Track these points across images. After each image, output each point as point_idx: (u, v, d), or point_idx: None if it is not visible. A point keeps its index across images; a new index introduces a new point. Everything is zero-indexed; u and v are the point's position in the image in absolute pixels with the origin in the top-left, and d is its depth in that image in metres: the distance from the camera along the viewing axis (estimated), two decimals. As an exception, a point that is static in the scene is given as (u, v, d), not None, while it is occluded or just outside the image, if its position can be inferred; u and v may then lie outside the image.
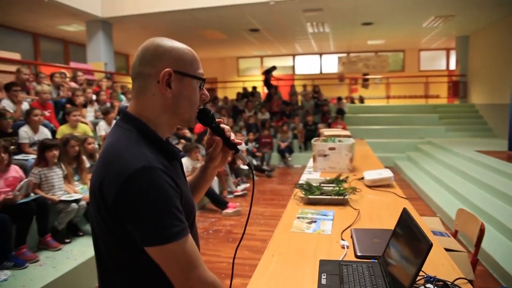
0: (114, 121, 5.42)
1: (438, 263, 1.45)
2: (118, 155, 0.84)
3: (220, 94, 13.14)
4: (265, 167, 7.76)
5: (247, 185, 6.35)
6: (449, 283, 1.25)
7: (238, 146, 1.10)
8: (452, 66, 13.33)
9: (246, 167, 7.01)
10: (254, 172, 6.88)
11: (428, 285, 1.24)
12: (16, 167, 3.29)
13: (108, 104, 5.99)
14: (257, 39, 11.39)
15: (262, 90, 13.05)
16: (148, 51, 0.92)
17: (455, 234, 2.54)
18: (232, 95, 12.25)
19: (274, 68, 12.12)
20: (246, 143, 7.82)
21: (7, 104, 4.41)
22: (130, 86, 8.21)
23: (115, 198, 0.80)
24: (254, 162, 7.50)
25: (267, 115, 9.86)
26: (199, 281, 0.85)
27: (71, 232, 3.58)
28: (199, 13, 7.89)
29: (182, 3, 7.53)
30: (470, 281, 1.30)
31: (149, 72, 0.91)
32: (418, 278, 1.25)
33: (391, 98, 13.40)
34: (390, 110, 11.21)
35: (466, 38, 11.27)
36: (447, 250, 2.21)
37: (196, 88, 0.97)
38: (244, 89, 12.38)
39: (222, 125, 1.09)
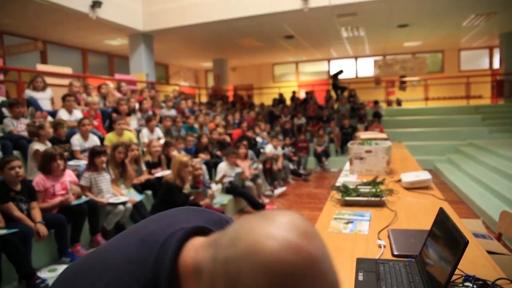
0: (156, 128, 5.69)
1: (478, 264, 1.45)
2: None
3: (256, 101, 13.33)
4: (301, 171, 7.80)
5: (284, 188, 6.42)
6: (490, 282, 1.24)
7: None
8: (496, 64, 12.76)
9: (282, 170, 7.09)
10: (291, 176, 6.89)
11: (466, 283, 1.25)
12: (70, 172, 3.57)
13: (150, 112, 6.27)
14: (292, 46, 11.49)
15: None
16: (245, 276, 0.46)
17: (499, 237, 2.49)
18: (268, 101, 12.38)
19: (341, 71, 12.00)
20: (283, 148, 7.90)
21: (63, 114, 4.78)
22: (170, 94, 8.63)
23: None
24: (291, 166, 7.56)
25: (303, 120, 9.90)
26: None
27: (119, 232, 3.80)
28: (236, 22, 8.11)
29: (220, 14, 7.79)
30: None
31: None
32: (457, 277, 1.28)
33: (430, 100, 13.00)
34: (429, 112, 10.90)
35: (509, 35, 10.78)
36: (490, 252, 2.19)
37: None
38: (280, 95, 12.48)
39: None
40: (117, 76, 8.56)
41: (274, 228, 0.48)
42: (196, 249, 0.57)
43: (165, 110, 7.11)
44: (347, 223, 2.01)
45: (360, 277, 1.36)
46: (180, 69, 15.48)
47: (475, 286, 1.23)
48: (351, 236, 1.83)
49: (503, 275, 1.32)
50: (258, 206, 5.15)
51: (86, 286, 0.56)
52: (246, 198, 5.20)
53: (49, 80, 5.72)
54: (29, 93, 5.15)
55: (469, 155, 7.48)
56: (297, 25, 8.76)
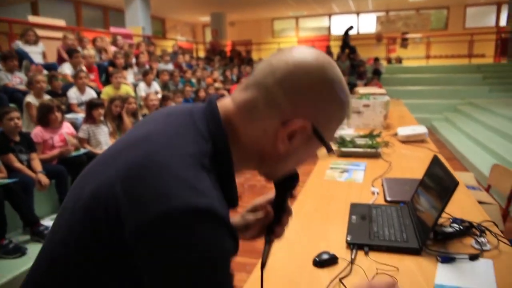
0: (153, 82, 5.61)
1: (468, 210, 1.51)
2: (169, 171, 0.52)
3: (255, 56, 13.09)
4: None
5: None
6: (475, 224, 1.31)
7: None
8: (503, 22, 12.44)
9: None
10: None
11: (453, 224, 1.32)
12: (68, 124, 3.58)
13: (147, 66, 6.18)
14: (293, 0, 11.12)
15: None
16: (296, 75, 0.59)
17: (488, 189, 2.57)
18: (266, 56, 12.19)
19: (351, 27, 11.67)
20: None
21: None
22: (168, 49, 8.45)
23: (140, 233, 0.50)
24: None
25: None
26: None
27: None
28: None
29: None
30: (497, 226, 1.36)
31: (281, 102, 0.59)
32: (444, 219, 1.34)
33: (432, 58, 12.80)
34: (430, 71, 10.78)
35: (518, -9, 10.46)
36: (479, 202, 2.28)
37: (315, 152, 0.69)
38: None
39: (290, 207, 0.79)
40: (113, 29, 8.33)
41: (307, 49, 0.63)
42: (231, 99, 0.65)
43: (162, 64, 6.99)
44: (343, 172, 2.05)
45: (353, 220, 1.41)
46: (177, 24, 15.07)
47: (461, 227, 1.28)
48: (346, 184, 1.88)
49: (489, 219, 1.39)
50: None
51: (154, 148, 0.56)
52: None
53: (40, 32, 5.56)
54: (19, 46, 5.03)
55: (467, 114, 7.50)
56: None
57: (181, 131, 0.59)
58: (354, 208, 1.53)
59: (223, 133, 0.60)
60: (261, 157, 0.64)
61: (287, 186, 0.74)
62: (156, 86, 5.65)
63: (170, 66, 7.13)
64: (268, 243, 0.78)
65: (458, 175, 2.47)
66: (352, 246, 1.22)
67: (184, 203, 0.49)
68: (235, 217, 0.80)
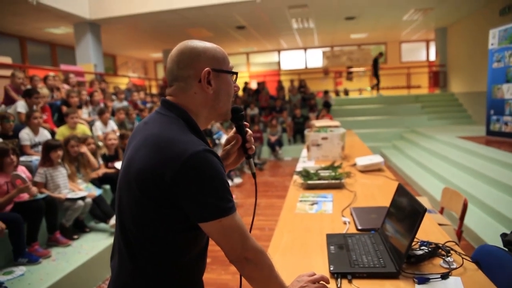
0: (109, 121, 5.51)
1: (430, 232, 1.66)
2: (172, 140, 0.90)
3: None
4: (256, 160, 7.96)
5: (240, 180, 6.54)
6: (441, 244, 1.46)
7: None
8: (432, 57, 13.74)
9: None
10: (246, 166, 7.01)
11: (422, 247, 1.45)
12: (23, 168, 3.40)
13: (102, 105, 6.07)
14: (243, 36, 11.54)
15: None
16: (184, 54, 1.00)
17: (441, 211, 2.78)
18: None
19: (381, 54, 12.16)
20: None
21: (23, 107, 4.50)
22: (121, 86, 8.36)
23: (174, 177, 0.86)
24: (246, 156, 7.68)
25: (256, 110, 10.04)
26: (253, 249, 0.97)
27: (78, 228, 3.71)
28: (186, 12, 8.00)
29: (170, 3, 7.63)
30: (458, 245, 1.51)
31: (188, 73, 0.99)
32: (414, 243, 1.46)
33: (375, 89, 13.71)
34: (375, 101, 11.52)
35: (444, 30, 11.66)
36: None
37: (231, 82, 1.07)
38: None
39: (247, 128, 1.19)
40: (63, 66, 8.12)
41: None
42: (169, 94, 1.05)
43: (116, 102, 6.90)
44: (312, 204, 2.15)
45: (332, 250, 1.50)
46: (128, 60, 14.97)
47: (430, 249, 1.41)
48: (318, 216, 1.97)
49: (450, 239, 1.54)
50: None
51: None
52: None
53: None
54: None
55: (412, 141, 8.06)
56: (248, 16, 8.82)
57: (164, 122, 0.97)
58: (330, 238, 1.61)
59: (183, 110, 1.00)
60: (207, 106, 1.03)
61: (238, 116, 1.13)
62: (113, 124, 5.55)
63: (124, 104, 7.04)
64: (249, 158, 1.20)
65: (414, 200, 2.66)
66: (336, 275, 1.30)
67: (194, 149, 0.87)
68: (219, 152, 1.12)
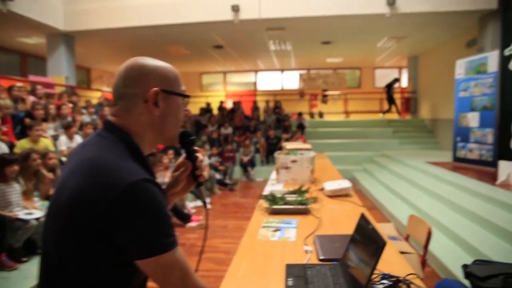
0: (75, 136, 5.33)
1: (392, 263, 1.62)
2: (109, 166, 0.82)
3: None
4: (227, 181, 7.84)
5: (208, 200, 6.41)
6: (401, 278, 1.41)
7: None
8: (404, 83, 14.17)
9: (208, 180, 7.06)
10: (217, 186, 6.88)
11: (383, 281, 1.40)
12: (-27, 183, 3.19)
13: (70, 118, 5.86)
14: (221, 56, 11.58)
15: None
16: (132, 71, 0.93)
17: (407, 238, 2.76)
18: (195, 110, 12.30)
19: (396, 80, 12.20)
20: (209, 157, 7.88)
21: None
22: (93, 100, 8.14)
23: (109, 208, 0.78)
24: (217, 176, 7.57)
25: (230, 130, 9.99)
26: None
27: (29, 250, 3.47)
28: (165, 29, 7.95)
29: (148, 19, 7.55)
30: (420, 278, 1.48)
31: (135, 92, 0.92)
32: (375, 276, 1.41)
33: (349, 113, 13.99)
34: (348, 125, 11.70)
35: (416, 58, 12.09)
36: (400, 253, 2.42)
37: (181, 105, 1.00)
38: (207, 104, 12.47)
39: (198, 154, 1.11)
40: (32, 77, 7.85)
41: None
42: (112, 115, 0.97)
43: (86, 116, 6.69)
44: (275, 230, 2.08)
45: (290, 282, 1.42)
46: (103, 74, 14.70)
47: (390, 282, 1.36)
48: (280, 243, 1.90)
49: (412, 271, 1.51)
50: (184, 217, 5.06)
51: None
52: (171, 209, 5.09)
53: None
54: None
55: (382, 165, 8.17)
56: (227, 35, 8.86)
57: (102, 146, 0.89)
58: (290, 269, 1.54)
59: (125, 133, 0.92)
60: (153, 129, 0.95)
61: (188, 141, 1.07)
62: (79, 139, 5.35)
63: (94, 118, 6.84)
64: (199, 186, 1.14)
65: (380, 226, 2.64)
66: (291, 311, 1.21)
67: (132, 178, 0.80)
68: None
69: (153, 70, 0.94)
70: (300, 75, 14.65)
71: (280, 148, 4.29)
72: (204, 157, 7.04)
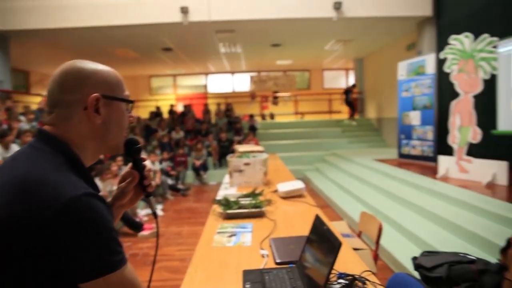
0: (11, 145, 4.95)
1: (347, 261, 1.64)
2: (45, 181, 0.74)
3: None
4: (180, 186, 7.67)
5: (161, 206, 6.22)
6: (357, 276, 1.44)
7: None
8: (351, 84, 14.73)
9: (160, 186, 6.86)
10: (169, 191, 6.70)
11: (340, 280, 1.41)
12: None
13: (5, 126, 5.43)
14: (170, 58, 11.33)
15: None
16: (69, 75, 0.85)
17: (359, 235, 2.83)
18: (144, 114, 11.93)
19: (354, 86, 12.20)
20: (161, 162, 7.67)
21: None
22: (32, 106, 7.61)
23: (46, 227, 0.70)
24: (169, 181, 7.38)
25: (181, 134, 9.79)
26: None
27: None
28: (110, 31, 7.61)
29: (92, 19, 7.16)
30: (374, 274, 1.51)
31: (72, 99, 0.84)
32: (332, 275, 1.41)
33: (303, 114, 14.29)
34: (299, 125, 11.93)
35: (361, 60, 12.61)
36: (354, 249, 2.48)
37: (125, 111, 0.94)
38: (157, 108, 12.16)
39: (145, 163, 1.05)
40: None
41: None
42: (48, 124, 0.87)
43: (24, 123, 6.23)
44: (231, 236, 2.03)
45: (247, 289, 1.38)
46: (44, 78, 13.83)
47: (347, 282, 1.37)
48: (235, 249, 1.86)
49: (366, 267, 1.56)
50: (135, 226, 4.86)
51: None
52: (122, 217, 4.86)
53: None
54: None
55: (333, 164, 8.40)
56: (176, 38, 8.68)
57: (36, 158, 0.79)
58: (247, 275, 1.51)
59: (63, 143, 0.84)
60: (95, 137, 0.88)
61: (134, 149, 1.00)
62: (15, 149, 4.96)
63: (33, 125, 6.39)
64: (148, 197, 1.06)
65: (334, 224, 2.68)
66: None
67: (72, 193, 0.72)
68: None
69: (92, 74, 0.87)
70: (251, 77, 14.73)
71: (233, 151, 4.24)
72: (154, 164, 6.86)
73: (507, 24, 4.99)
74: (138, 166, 1.03)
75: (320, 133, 11.08)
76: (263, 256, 1.74)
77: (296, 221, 2.30)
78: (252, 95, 13.93)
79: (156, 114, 11.67)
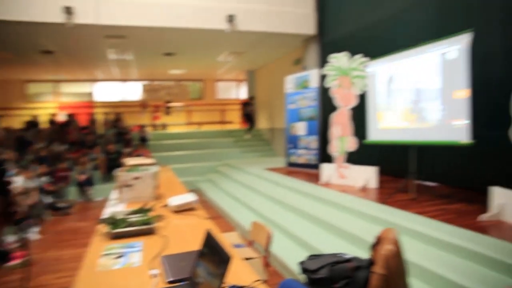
0: None
1: (239, 271, 1.68)
2: None
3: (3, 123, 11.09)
4: (61, 204, 6.93)
5: (37, 229, 5.54)
6: (248, 286, 1.47)
7: None
8: (243, 95, 15.23)
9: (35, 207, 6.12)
10: (49, 211, 5.99)
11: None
12: None
13: None
14: (51, 62, 10.19)
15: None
16: None
17: (251, 244, 2.91)
18: (17, 125, 10.54)
19: (252, 98, 11.79)
20: (38, 178, 6.84)
21: None
22: None
23: None
24: (48, 199, 6.62)
25: (63, 146, 8.89)
26: None
27: None
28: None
29: None
30: (265, 281, 1.56)
31: None
32: (222, 289, 1.42)
33: (192, 124, 14.24)
34: (192, 136, 11.85)
35: (253, 72, 13.15)
36: (246, 259, 2.54)
37: None
38: (34, 117, 10.86)
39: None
40: None
41: None
42: None
43: None
44: (118, 257, 1.91)
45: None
46: None
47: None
48: (123, 271, 1.75)
49: (257, 277, 1.61)
50: (0, 257, 4.20)
51: None
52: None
53: None
54: None
55: (225, 174, 8.53)
56: (58, 40, 7.87)
57: None
58: (134, 299, 1.43)
59: None
60: None
61: None
62: None
63: None
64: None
65: (225, 236, 2.71)
66: None
67: None
68: None
69: None
70: (143, 86, 14.21)
71: (121, 164, 4.01)
72: (29, 181, 6.07)
73: (377, 46, 5.71)
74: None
75: (213, 144, 11.17)
76: (153, 276, 1.67)
77: (188, 236, 2.26)
78: (143, 105, 13.43)
79: (32, 124, 10.42)
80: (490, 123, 4.07)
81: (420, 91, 4.37)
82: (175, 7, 7.08)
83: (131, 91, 14.73)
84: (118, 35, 7.62)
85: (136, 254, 1.94)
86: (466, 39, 3.80)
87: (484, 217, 3.49)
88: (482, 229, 3.22)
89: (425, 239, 3.26)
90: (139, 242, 2.12)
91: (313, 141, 6.99)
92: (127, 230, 2.24)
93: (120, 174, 3.23)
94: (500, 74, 4.05)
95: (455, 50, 3.92)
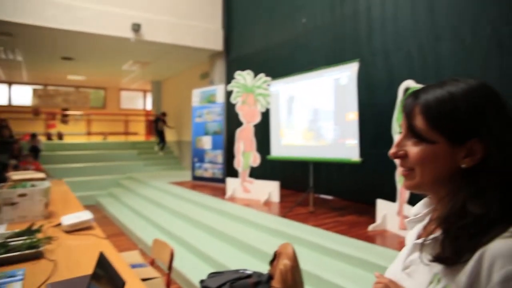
0: None
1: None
2: None
3: None
4: None
5: None
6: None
7: None
8: (149, 106, 14.76)
9: None
10: None
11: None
12: None
13: None
14: None
15: None
16: None
17: (152, 262, 2.82)
18: None
19: (164, 114, 11.13)
20: None
21: None
22: None
23: None
24: None
25: None
26: None
27: None
28: None
29: None
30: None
31: None
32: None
33: (92, 134, 13.30)
34: (92, 147, 11.08)
35: (159, 83, 12.83)
36: (145, 279, 2.45)
37: None
38: None
39: None
40: None
41: None
42: None
43: None
44: (-7, 288, 1.69)
45: None
46: None
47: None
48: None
49: None
50: None
51: None
52: None
53: None
54: None
55: (128, 188, 8.12)
56: None
57: None
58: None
59: None
60: None
61: None
62: None
63: None
64: None
65: (125, 255, 2.59)
66: None
67: None
68: None
69: None
70: (34, 90, 12.88)
71: (5, 179, 3.57)
72: None
73: (279, 67, 6.04)
74: None
75: (115, 156, 10.57)
76: (36, 307, 1.51)
77: (82, 258, 2.10)
78: (35, 111, 12.16)
79: None
80: (376, 142, 4.58)
81: (317, 111, 4.74)
82: (73, 8, 6.61)
83: (21, 95, 13.28)
84: (4, 32, 6.84)
85: (16, 284, 1.74)
86: (354, 67, 4.25)
87: (371, 227, 3.89)
88: (369, 238, 3.59)
89: (321, 250, 3.51)
90: (21, 269, 1.91)
91: (219, 155, 7.06)
92: (7, 256, 1.99)
93: (2, 191, 2.87)
94: (385, 100, 4.60)
95: (345, 76, 4.35)
